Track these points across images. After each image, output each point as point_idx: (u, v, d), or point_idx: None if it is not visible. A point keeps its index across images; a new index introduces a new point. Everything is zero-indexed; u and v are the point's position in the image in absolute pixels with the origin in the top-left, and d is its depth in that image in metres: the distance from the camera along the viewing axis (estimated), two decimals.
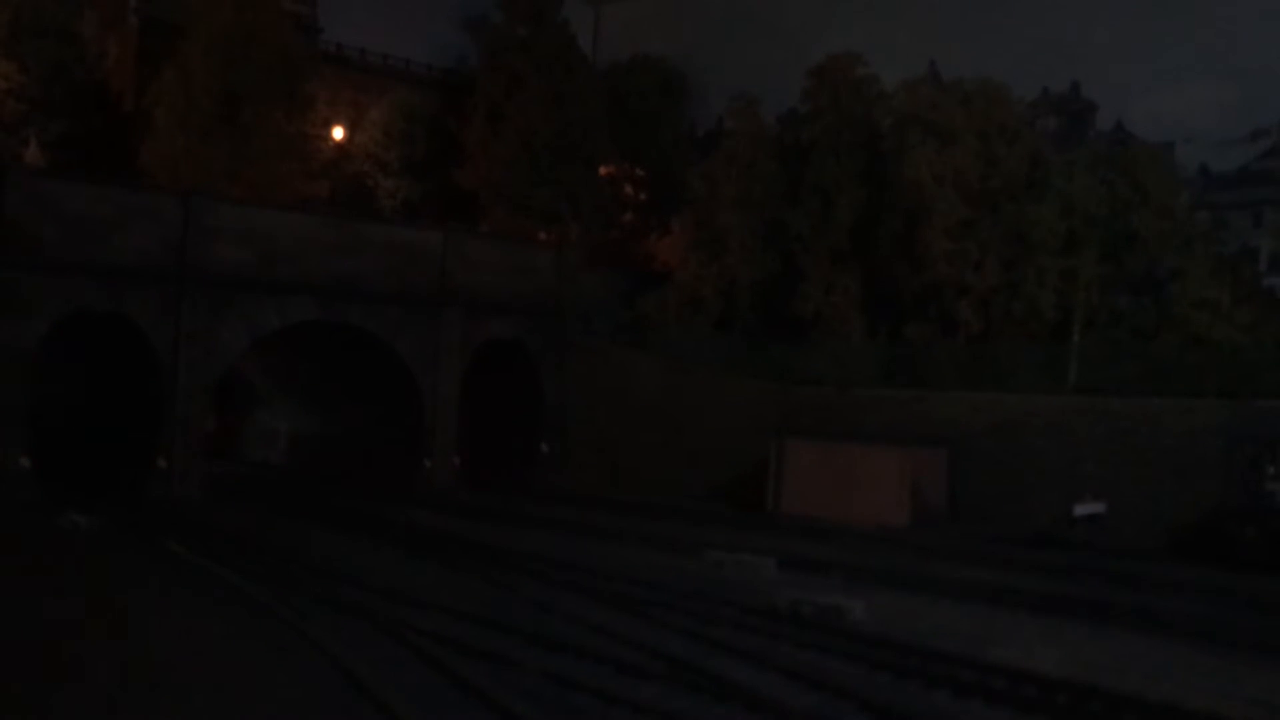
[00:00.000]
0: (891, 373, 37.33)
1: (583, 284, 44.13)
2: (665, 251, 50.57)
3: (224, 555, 23.39)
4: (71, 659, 14.88)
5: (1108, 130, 55.56)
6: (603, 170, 54.18)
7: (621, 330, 44.65)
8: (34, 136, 43.68)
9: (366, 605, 18.46)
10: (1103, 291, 36.75)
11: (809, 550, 26.39)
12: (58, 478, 31.00)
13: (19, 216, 30.28)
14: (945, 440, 33.73)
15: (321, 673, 14.48)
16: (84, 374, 35.95)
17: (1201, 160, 52.92)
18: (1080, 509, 29.21)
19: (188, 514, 30.26)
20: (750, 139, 44.84)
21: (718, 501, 36.55)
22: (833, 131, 42.28)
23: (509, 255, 42.18)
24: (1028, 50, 52.56)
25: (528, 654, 15.36)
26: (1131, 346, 35.00)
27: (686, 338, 42.23)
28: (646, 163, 57.05)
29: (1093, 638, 17.98)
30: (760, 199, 43.32)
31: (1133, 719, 13.43)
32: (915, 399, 35.25)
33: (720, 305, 43.62)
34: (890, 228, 40.71)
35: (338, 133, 54.88)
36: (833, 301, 40.89)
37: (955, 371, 36.06)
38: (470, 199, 50.71)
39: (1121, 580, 23.98)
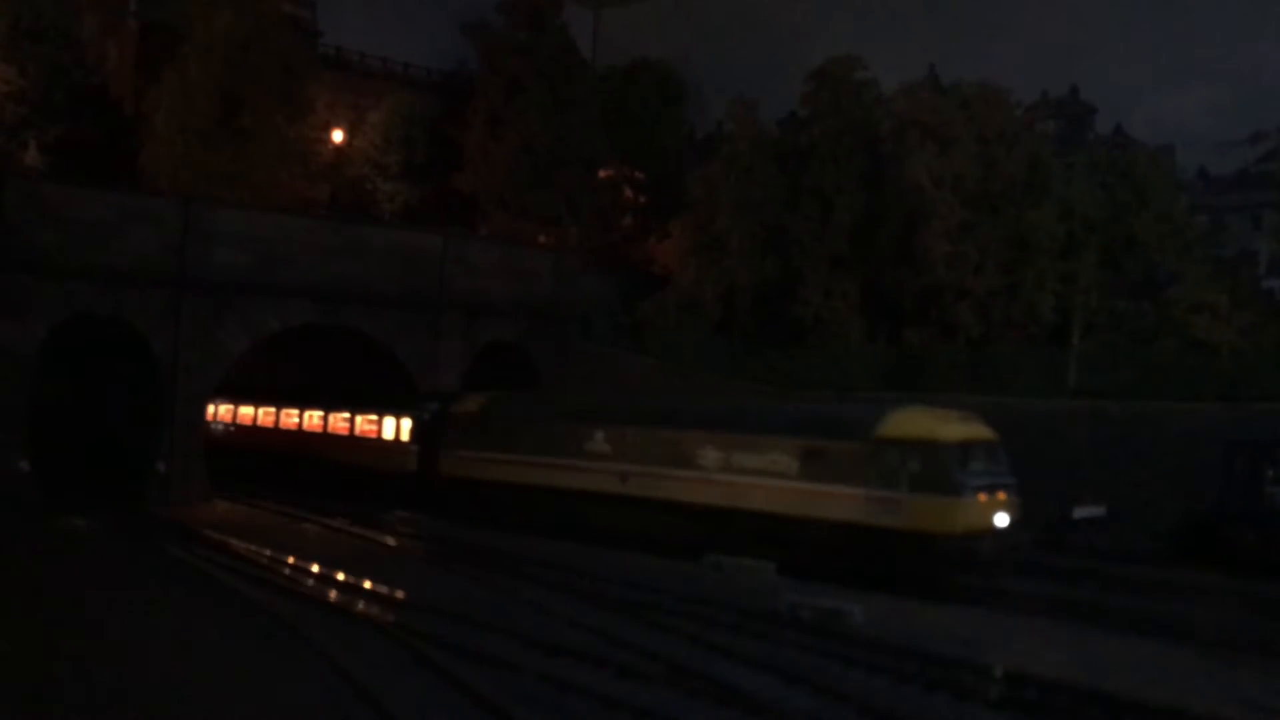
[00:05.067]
0: (891, 376, 37.35)
1: (582, 287, 44.14)
2: (664, 255, 50.64)
3: (221, 558, 23.41)
4: (70, 662, 14.88)
5: (1107, 133, 55.72)
6: (602, 174, 54.26)
7: (621, 334, 44.66)
8: (33, 140, 43.74)
9: (365, 610, 18.46)
10: (1102, 295, 36.80)
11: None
12: (57, 481, 30.96)
13: (18, 220, 30.25)
14: None
15: (318, 673, 14.49)
16: (84, 377, 35.90)
17: (1200, 163, 53.05)
18: (1080, 512, 29.18)
19: (186, 516, 30.25)
20: (749, 142, 44.91)
21: None
22: (832, 135, 42.36)
23: (508, 259, 42.14)
24: (1027, 54, 52.68)
25: (526, 657, 15.34)
26: (1131, 350, 35.03)
27: (686, 341, 42.24)
28: (646, 166, 57.15)
29: (1092, 641, 17.97)
30: (759, 203, 43.39)
31: None
32: (914, 402, 35.20)
33: (720, 309, 43.66)
34: (889, 231, 40.76)
35: (337, 136, 54.95)
36: (832, 305, 40.94)
37: (955, 375, 36.08)
38: (470, 203, 50.77)
39: (1121, 583, 23.96)
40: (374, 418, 35.81)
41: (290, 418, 40.43)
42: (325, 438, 38.07)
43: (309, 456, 38.22)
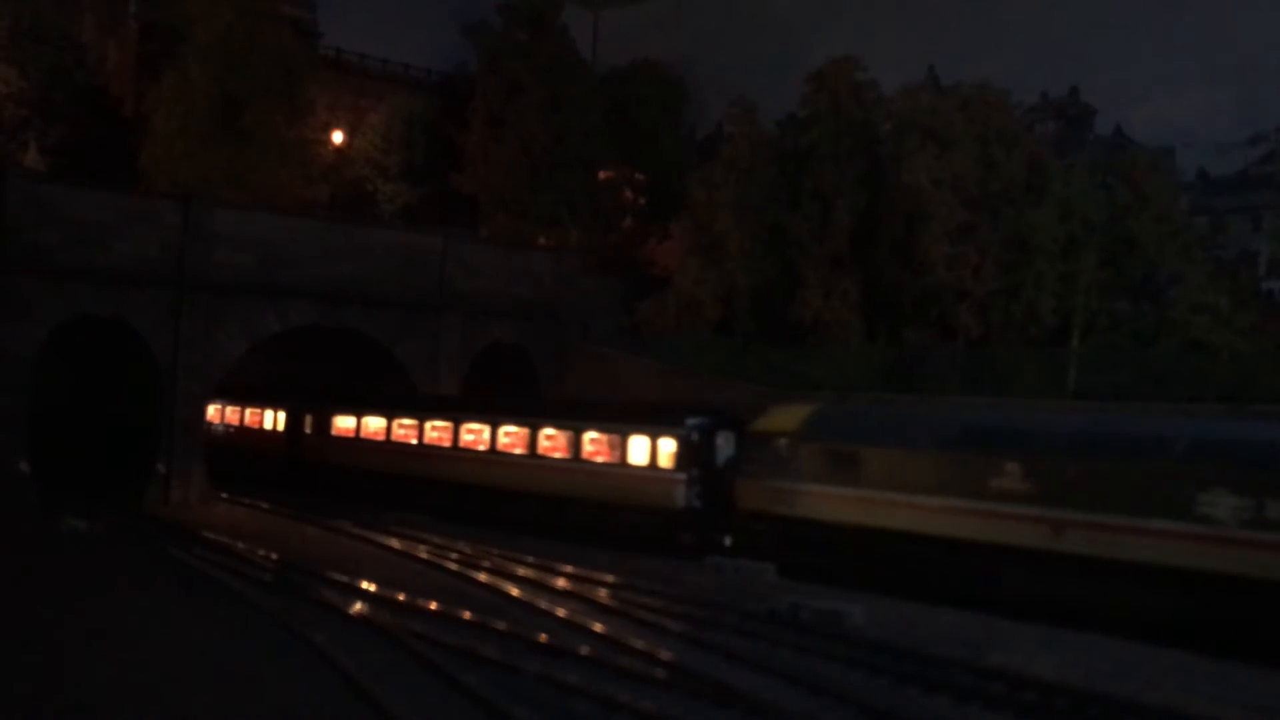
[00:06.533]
0: (891, 377, 37.31)
1: (582, 288, 44.14)
2: (664, 256, 50.63)
3: (221, 559, 23.41)
4: (70, 662, 14.88)
5: (1107, 135, 55.71)
6: (602, 175, 54.28)
7: (621, 335, 44.66)
8: (33, 141, 43.76)
9: (365, 610, 18.47)
10: (1102, 296, 36.77)
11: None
12: (57, 482, 30.97)
13: (18, 221, 30.26)
14: None
15: (319, 675, 14.49)
16: (84, 378, 35.92)
17: (1200, 164, 53.01)
18: None
19: (186, 517, 30.24)
20: (749, 144, 44.88)
21: None
22: (832, 136, 42.33)
23: (508, 260, 42.18)
24: (1027, 55, 52.65)
25: (526, 659, 15.34)
26: (1131, 351, 34.99)
27: (686, 343, 42.20)
28: (646, 168, 57.19)
29: (1092, 643, 17.95)
30: (759, 204, 43.36)
31: None
32: (914, 404, 35.21)
33: (719, 310, 43.62)
34: (889, 232, 40.74)
35: (337, 137, 54.97)
36: (832, 306, 40.90)
37: (955, 376, 36.04)
38: (470, 204, 50.79)
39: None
40: (603, 436, 28.97)
41: (463, 434, 33.03)
42: (521, 461, 30.98)
43: (485, 483, 31.77)
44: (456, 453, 33.02)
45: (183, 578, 21.75)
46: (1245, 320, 34.96)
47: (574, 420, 30.23)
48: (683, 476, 27.04)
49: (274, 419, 40.57)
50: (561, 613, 18.87)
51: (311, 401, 38.61)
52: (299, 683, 14.31)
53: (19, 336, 30.21)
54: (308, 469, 38.16)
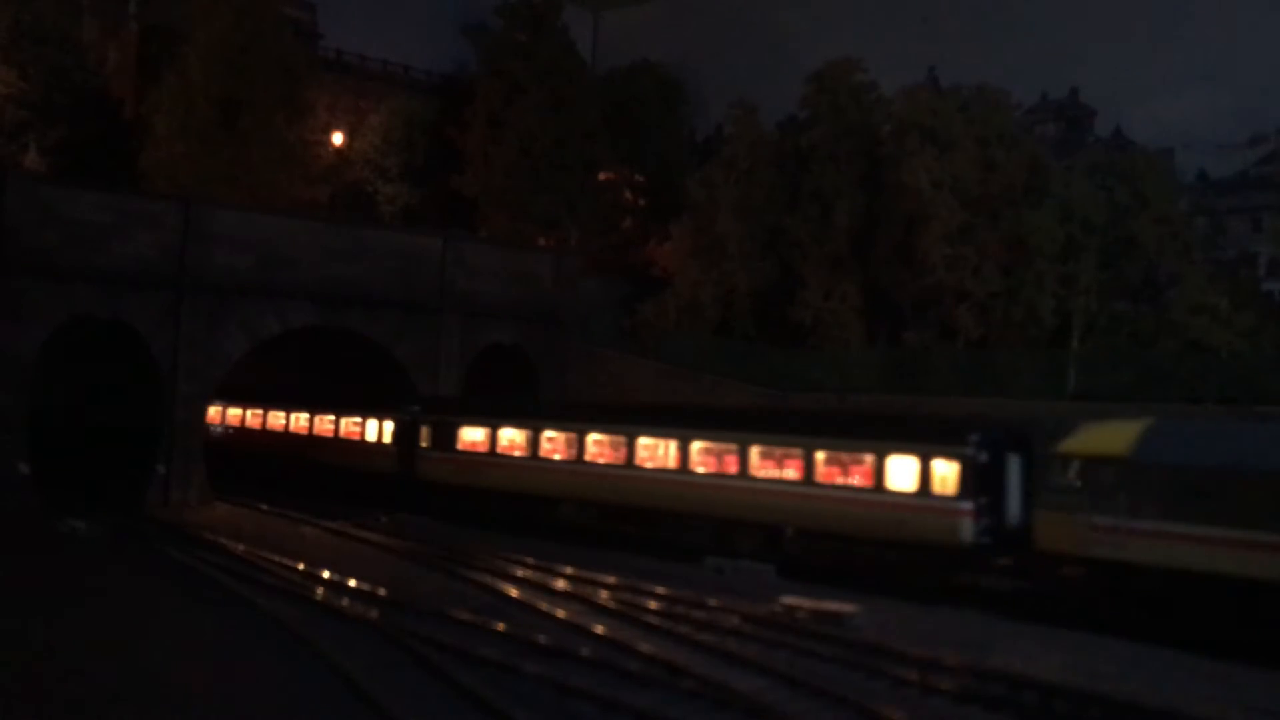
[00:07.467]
0: (890, 378, 37.34)
1: (582, 290, 44.14)
2: (664, 257, 50.65)
3: (220, 560, 23.41)
4: (69, 663, 14.88)
5: (1106, 136, 55.73)
6: (602, 176, 54.31)
7: (621, 336, 44.69)
8: (34, 142, 43.79)
9: (363, 610, 18.47)
10: (1101, 297, 36.80)
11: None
12: (57, 483, 30.96)
13: (18, 223, 30.29)
14: None
15: (318, 675, 14.49)
16: (84, 380, 35.91)
17: (1200, 166, 53.03)
18: None
19: (186, 518, 30.24)
20: (749, 145, 44.93)
21: None
22: (832, 138, 42.40)
23: (508, 261, 42.19)
24: (1026, 56, 52.69)
25: (525, 660, 15.33)
26: (1130, 352, 35.02)
27: (686, 344, 42.24)
28: (646, 169, 57.23)
29: (1092, 644, 17.95)
30: (759, 205, 43.41)
31: None
32: (914, 405, 35.23)
33: (719, 311, 43.65)
34: (889, 234, 40.77)
35: (337, 139, 55.03)
36: (832, 307, 40.94)
37: (954, 377, 36.07)
38: (470, 205, 50.80)
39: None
40: (844, 455, 24.27)
41: (639, 449, 28.24)
42: (727, 484, 26.11)
43: (674, 507, 27.06)
44: (631, 471, 28.24)
45: (182, 579, 21.73)
46: (1245, 321, 34.98)
47: (801, 434, 25.28)
48: (968, 506, 21.99)
49: (379, 430, 36.25)
50: (566, 613, 18.86)
51: (430, 411, 34.45)
52: (298, 681, 14.32)
53: (19, 337, 30.22)
54: (427, 488, 33.74)
